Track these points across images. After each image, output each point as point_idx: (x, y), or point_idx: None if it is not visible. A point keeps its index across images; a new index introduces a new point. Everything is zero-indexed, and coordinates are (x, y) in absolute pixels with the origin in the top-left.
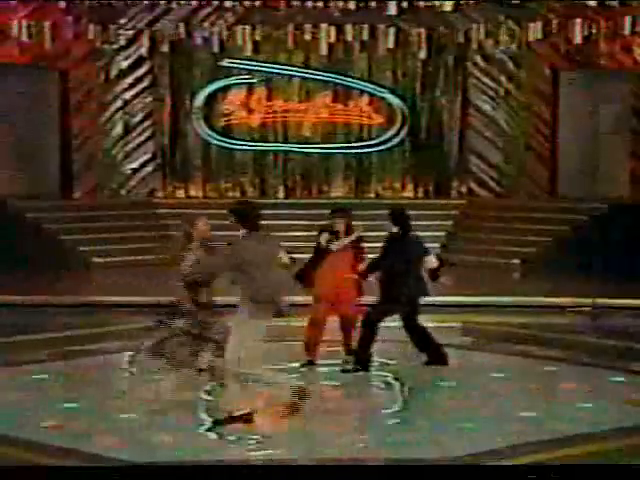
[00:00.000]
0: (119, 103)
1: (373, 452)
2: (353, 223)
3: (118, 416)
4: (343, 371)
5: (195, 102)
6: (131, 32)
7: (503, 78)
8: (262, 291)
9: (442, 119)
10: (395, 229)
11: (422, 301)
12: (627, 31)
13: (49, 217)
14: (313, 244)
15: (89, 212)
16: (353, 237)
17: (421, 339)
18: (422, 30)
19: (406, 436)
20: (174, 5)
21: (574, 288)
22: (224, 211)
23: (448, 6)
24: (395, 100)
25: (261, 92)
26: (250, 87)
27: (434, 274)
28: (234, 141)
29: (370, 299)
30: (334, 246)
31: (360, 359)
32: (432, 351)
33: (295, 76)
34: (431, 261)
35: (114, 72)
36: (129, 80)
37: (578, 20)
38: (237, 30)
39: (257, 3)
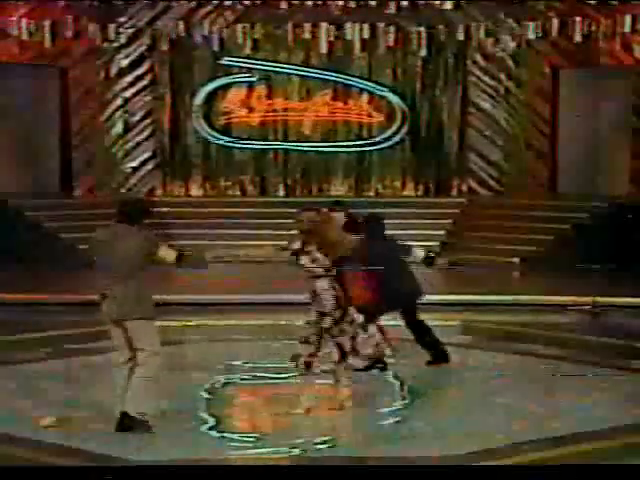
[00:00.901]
0: (119, 101)
1: (373, 451)
2: None
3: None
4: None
5: (195, 100)
6: (131, 30)
7: (503, 76)
8: (113, 300)
9: (442, 117)
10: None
11: (418, 299)
12: (627, 29)
13: (49, 215)
14: None
15: (89, 210)
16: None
17: (422, 337)
18: (422, 28)
19: (406, 435)
20: (174, 3)
21: (574, 286)
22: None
23: (448, 4)
24: (395, 98)
25: (261, 90)
26: (250, 85)
27: (427, 262)
28: (234, 139)
29: None
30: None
31: None
32: (433, 349)
33: (295, 74)
34: (417, 254)
35: (114, 70)
36: (129, 78)
37: (578, 18)
38: (237, 28)
39: (257, 1)
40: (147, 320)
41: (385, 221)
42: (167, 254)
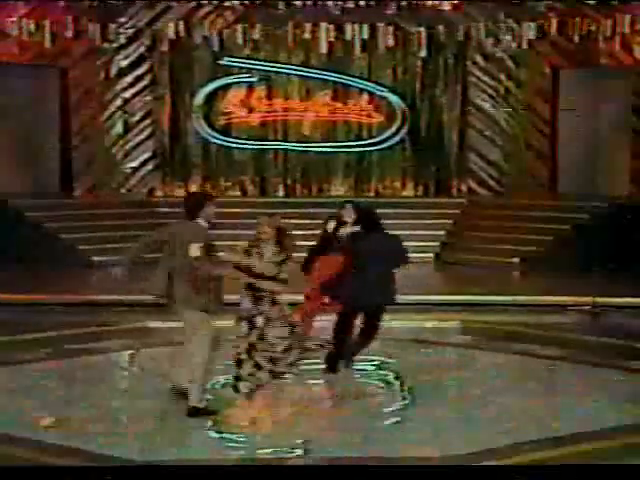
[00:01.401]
0: (119, 102)
1: (373, 452)
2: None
3: (118, 415)
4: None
5: (195, 101)
6: (131, 31)
7: (503, 77)
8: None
9: (442, 118)
10: (357, 228)
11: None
12: (627, 29)
13: (49, 215)
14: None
15: (89, 211)
16: (358, 228)
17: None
18: (422, 28)
19: (406, 435)
20: (174, 3)
21: (574, 287)
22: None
23: (448, 5)
24: (395, 99)
25: (261, 91)
26: (250, 86)
27: None
28: (234, 140)
29: None
30: (343, 231)
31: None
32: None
33: (295, 75)
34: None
35: (114, 71)
36: (129, 79)
37: (578, 18)
38: (237, 28)
39: (257, 2)
40: (202, 312)
41: (378, 215)
42: (192, 250)
